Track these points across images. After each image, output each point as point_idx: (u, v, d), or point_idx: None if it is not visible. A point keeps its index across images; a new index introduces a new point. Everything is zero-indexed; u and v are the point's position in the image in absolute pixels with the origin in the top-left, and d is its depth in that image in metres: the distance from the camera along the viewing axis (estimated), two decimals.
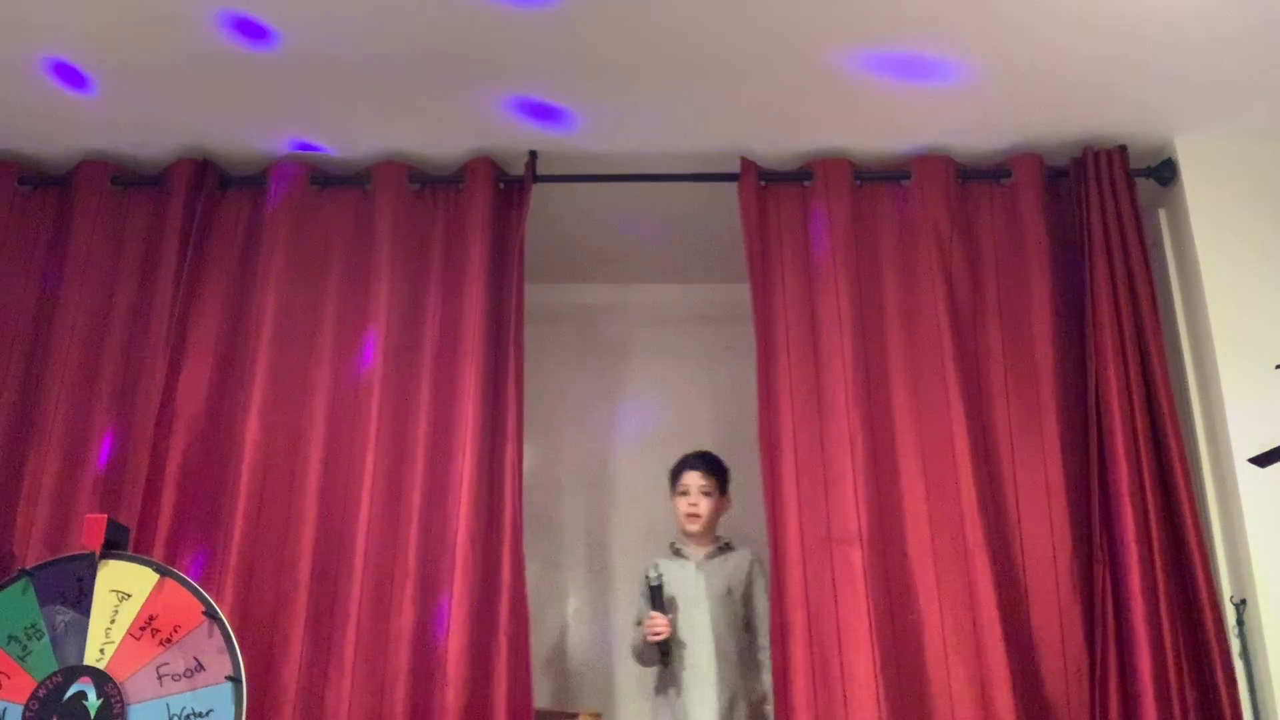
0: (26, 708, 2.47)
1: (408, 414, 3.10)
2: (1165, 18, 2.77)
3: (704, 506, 3.22)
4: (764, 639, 3.05)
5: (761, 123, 3.21)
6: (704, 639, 3.07)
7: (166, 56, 2.94)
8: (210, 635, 2.52)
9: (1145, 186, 3.28)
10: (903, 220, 3.27)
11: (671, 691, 3.07)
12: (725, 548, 3.25)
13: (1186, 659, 2.79)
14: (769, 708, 2.92)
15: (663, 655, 3.04)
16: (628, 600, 3.75)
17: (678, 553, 3.27)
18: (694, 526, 3.21)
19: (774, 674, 2.84)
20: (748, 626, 3.18)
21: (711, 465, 3.27)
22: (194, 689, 2.48)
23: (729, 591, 3.14)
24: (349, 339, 3.19)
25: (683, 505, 3.24)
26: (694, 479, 3.25)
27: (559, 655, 3.72)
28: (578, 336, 4.07)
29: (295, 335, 3.18)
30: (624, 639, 3.55)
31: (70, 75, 3.01)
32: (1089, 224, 3.16)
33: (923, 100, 3.09)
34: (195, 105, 3.15)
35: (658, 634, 3.02)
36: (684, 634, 3.09)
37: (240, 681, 2.47)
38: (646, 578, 3.09)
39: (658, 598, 3.07)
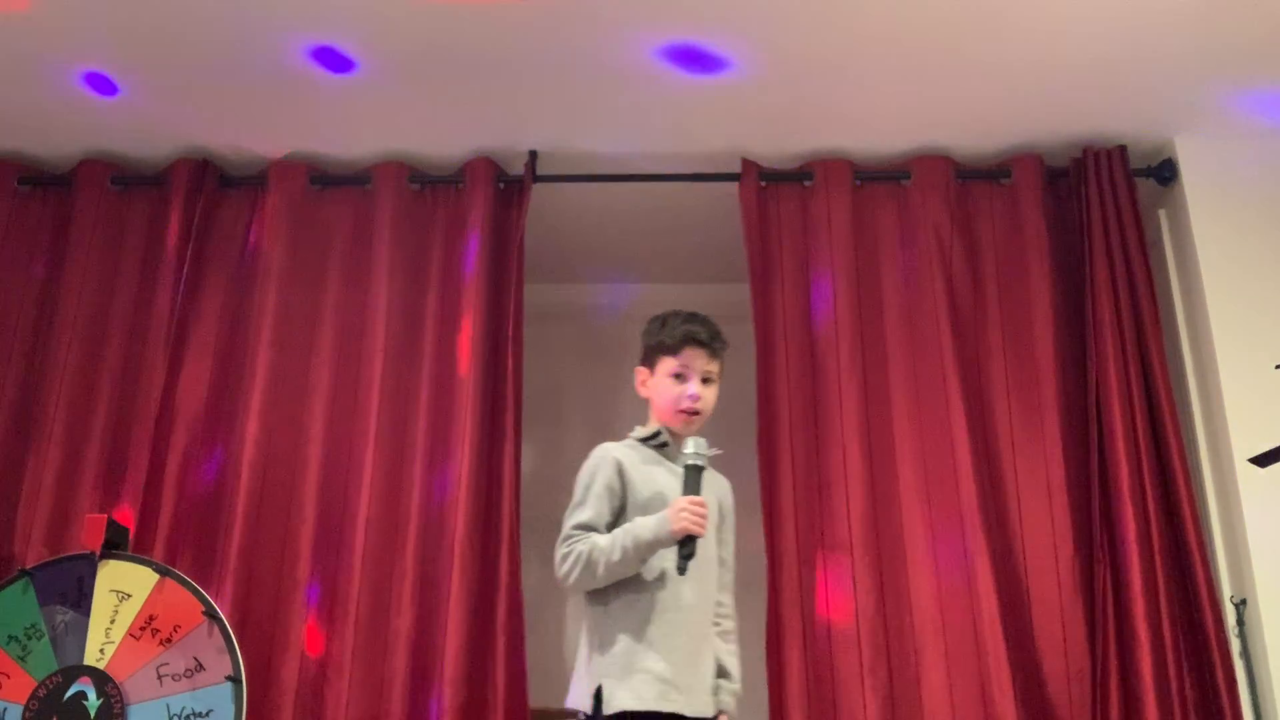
0: (26, 708, 2.47)
1: (407, 413, 3.10)
2: (1165, 18, 2.77)
3: (709, 399, 2.29)
4: (726, 596, 2.31)
5: (761, 123, 3.21)
6: (706, 569, 2.21)
7: (168, 57, 2.95)
8: (210, 635, 2.52)
9: (1145, 186, 3.27)
10: (903, 220, 3.27)
11: (643, 635, 2.11)
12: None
13: (1187, 659, 2.79)
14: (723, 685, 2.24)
15: (686, 557, 2.06)
16: None
17: (661, 447, 2.29)
18: (688, 426, 2.28)
19: (769, 678, 2.83)
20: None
21: (720, 343, 2.35)
22: (194, 689, 2.48)
23: (720, 517, 2.28)
24: (349, 339, 3.19)
25: (677, 392, 2.26)
26: (699, 360, 2.28)
27: (557, 655, 3.71)
28: (578, 336, 4.07)
29: (295, 335, 3.18)
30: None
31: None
32: (1089, 224, 3.16)
33: (923, 100, 3.09)
34: (196, 105, 3.15)
35: (699, 520, 2.06)
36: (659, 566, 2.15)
37: (240, 681, 2.47)
38: (690, 455, 2.16)
39: (695, 485, 2.14)
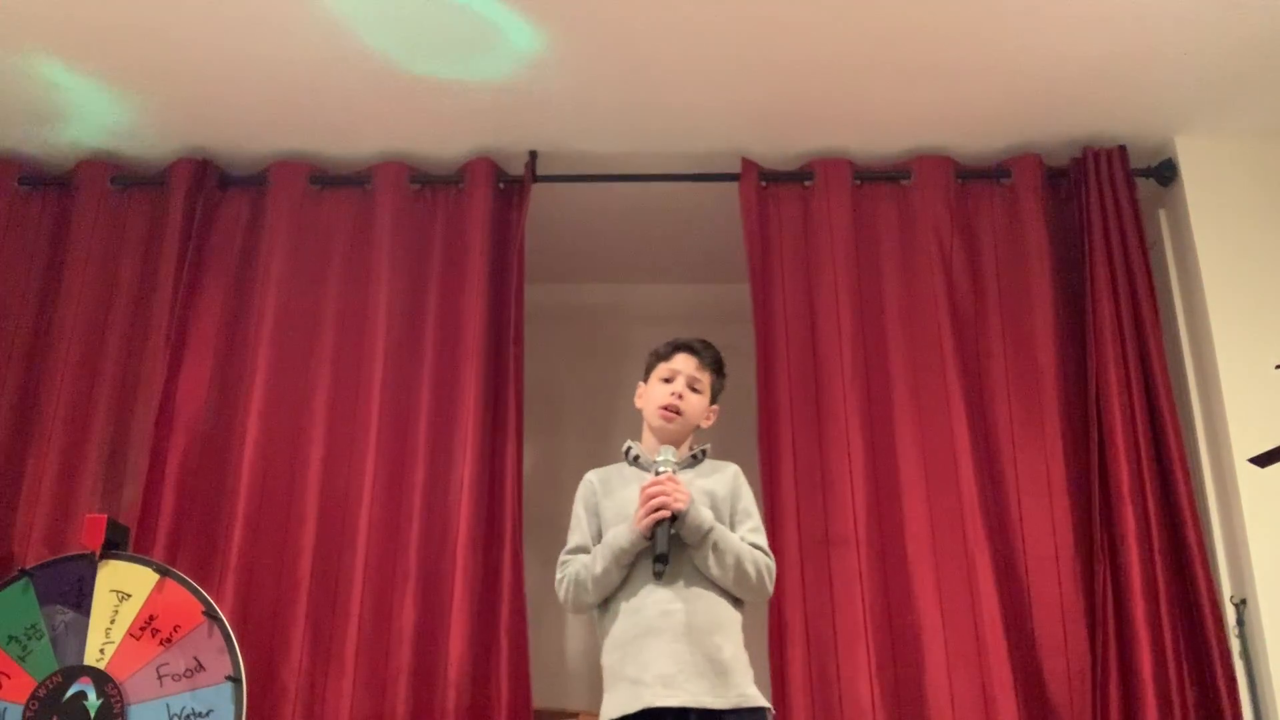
0: (26, 708, 2.47)
1: (408, 414, 3.10)
2: (1165, 18, 2.77)
3: (690, 403, 2.32)
4: (750, 533, 2.24)
5: (761, 123, 3.21)
6: (681, 565, 2.17)
7: (168, 57, 2.95)
8: (210, 635, 2.52)
9: (1145, 186, 3.28)
10: (903, 220, 3.27)
11: (629, 644, 2.14)
12: (700, 457, 2.37)
13: (1187, 659, 2.79)
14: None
15: (660, 559, 2.10)
16: None
17: (635, 461, 2.35)
18: (669, 424, 2.31)
19: (771, 676, 2.83)
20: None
21: (713, 358, 2.42)
22: (194, 689, 2.48)
23: (711, 508, 2.22)
24: (349, 339, 3.19)
25: (661, 393, 2.33)
26: (687, 364, 2.36)
27: (559, 655, 3.72)
28: (578, 336, 4.07)
29: (295, 335, 3.18)
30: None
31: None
32: (1089, 224, 3.16)
33: (923, 100, 3.09)
34: (195, 105, 3.15)
35: (669, 504, 2.10)
36: (639, 577, 2.18)
37: (240, 681, 2.47)
38: (656, 463, 2.22)
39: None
